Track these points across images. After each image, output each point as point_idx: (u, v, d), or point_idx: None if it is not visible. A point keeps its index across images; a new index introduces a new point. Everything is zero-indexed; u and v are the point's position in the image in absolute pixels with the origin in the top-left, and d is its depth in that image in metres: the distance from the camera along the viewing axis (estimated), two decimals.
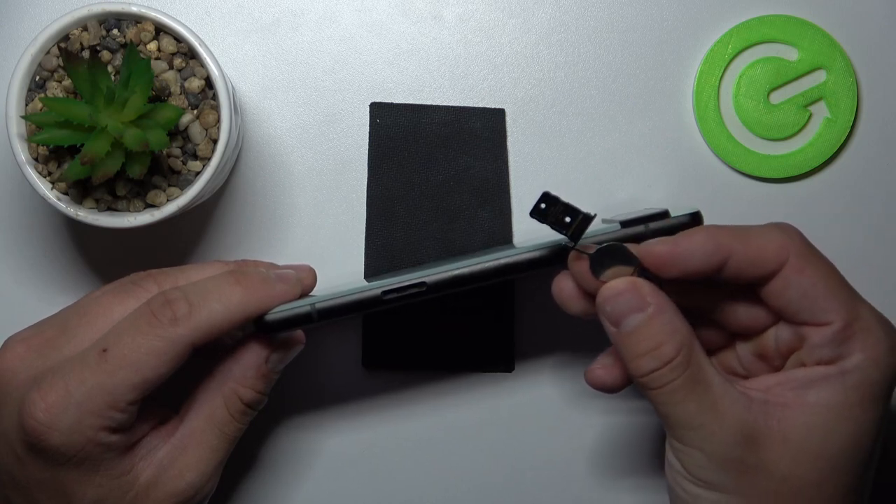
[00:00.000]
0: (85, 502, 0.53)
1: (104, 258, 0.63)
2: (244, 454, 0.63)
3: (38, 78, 0.57)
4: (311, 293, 0.57)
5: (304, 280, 0.56)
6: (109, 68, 0.57)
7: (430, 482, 0.64)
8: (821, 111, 0.64)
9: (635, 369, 0.52)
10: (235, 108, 0.58)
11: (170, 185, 0.57)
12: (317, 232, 0.64)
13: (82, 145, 0.54)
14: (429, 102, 0.64)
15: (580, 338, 0.64)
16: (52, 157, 0.57)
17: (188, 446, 0.55)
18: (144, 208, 0.57)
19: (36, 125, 0.56)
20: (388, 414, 0.64)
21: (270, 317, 0.54)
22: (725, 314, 0.55)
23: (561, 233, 0.52)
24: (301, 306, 0.54)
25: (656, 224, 0.55)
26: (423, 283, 0.54)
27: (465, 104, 0.64)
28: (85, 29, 0.57)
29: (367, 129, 0.64)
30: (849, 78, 0.63)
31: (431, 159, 0.63)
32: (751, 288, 0.54)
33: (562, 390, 0.64)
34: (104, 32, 0.57)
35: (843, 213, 0.64)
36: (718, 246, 0.52)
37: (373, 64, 0.64)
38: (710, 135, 0.64)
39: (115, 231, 0.58)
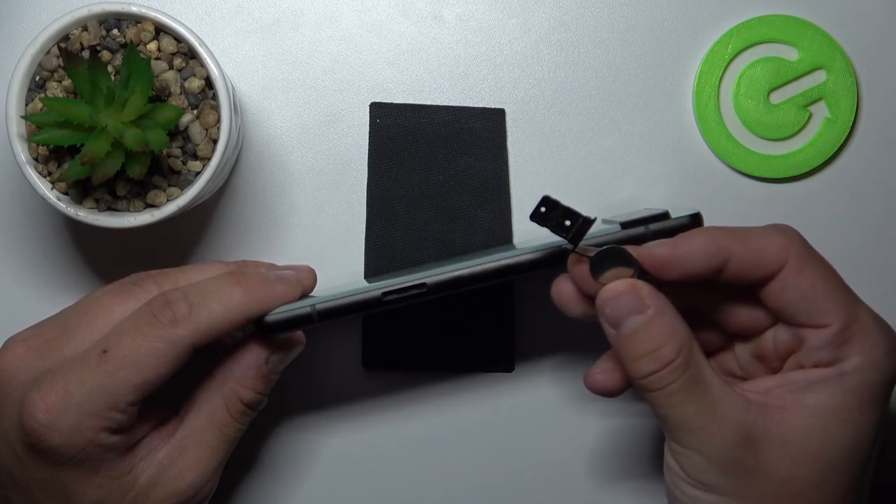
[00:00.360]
0: (85, 503, 0.53)
1: (104, 258, 0.63)
2: (244, 454, 0.63)
3: (38, 78, 0.57)
4: (312, 294, 0.57)
5: (305, 281, 0.56)
6: (109, 68, 0.57)
7: (430, 482, 0.64)
8: (821, 111, 0.64)
9: (635, 371, 0.52)
10: (235, 108, 0.58)
11: (170, 185, 0.57)
12: (317, 232, 0.64)
13: (82, 145, 0.54)
14: (429, 102, 0.64)
15: (580, 338, 0.64)
16: (52, 157, 0.57)
17: (188, 447, 0.55)
18: (144, 208, 0.57)
19: (36, 125, 0.56)
20: (388, 414, 0.64)
21: (270, 317, 0.54)
22: (724, 315, 0.55)
23: (561, 236, 0.52)
24: (301, 307, 0.54)
25: (656, 225, 0.55)
26: (423, 284, 0.54)
27: (465, 104, 0.64)
28: (85, 29, 0.57)
29: (367, 129, 0.64)
30: (849, 78, 0.63)
31: (431, 159, 0.63)
32: (750, 289, 0.54)
33: (562, 390, 0.64)
34: (104, 32, 0.57)
35: (843, 213, 0.64)
36: (718, 248, 0.52)
37: (373, 64, 0.64)
38: (710, 135, 0.64)
39: (115, 231, 0.58)
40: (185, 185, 0.57)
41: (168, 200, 0.57)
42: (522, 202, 0.64)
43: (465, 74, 0.64)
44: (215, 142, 0.57)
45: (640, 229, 0.55)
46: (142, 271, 0.57)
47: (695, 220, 0.55)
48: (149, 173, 0.57)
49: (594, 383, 0.56)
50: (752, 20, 0.64)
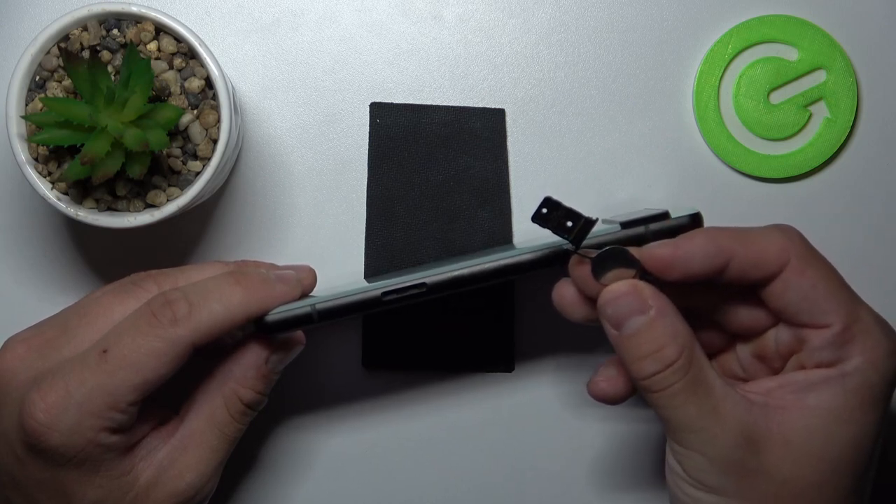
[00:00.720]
0: (85, 503, 0.53)
1: (104, 258, 0.63)
2: (244, 454, 0.63)
3: (38, 78, 0.57)
4: (312, 293, 0.57)
5: (305, 280, 0.56)
6: (109, 68, 0.57)
7: (430, 482, 0.64)
8: (821, 111, 0.64)
9: (637, 372, 0.52)
10: (235, 108, 0.58)
11: (170, 185, 0.57)
12: (317, 232, 0.64)
13: (82, 145, 0.54)
14: (429, 102, 0.64)
15: (580, 338, 0.64)
16: (52, 157, 0.57)
17: (188, 447, 0.55)
18: (144, 208, 0.57)
19: (36, 125, 0.56)
20: (388, 414, 0.64)
21: (271, 317, 0.54)
22: (726, 315, 0.55)
23: (563, 237, 0.52)
24: (301, 307, 0.54)
25: (656, 225, 0.55)
26: (423, 284, 0.54)
27: (465, 104, 0.64)
28: (85, 29, 0.57)
29: (367, 129, 0.64)
30: (849, 78, 0.63)
31: (431, 159, 0.63)
32: (751, 290, 0.54)
33: (562, 391, 0.64)
34: (104, 32, 0.57)
35: (843, 213, 0.64)
36: (720, 249, 0.52)
37: (373, 64, 0.64)
38: (710, 135, 0.64)
39: (115, 231, 0.58)
40: (185, 185, 0.57)
41: (168, 200, 0.57)
42: (522, 202, 0.64)
43: (465, 74, 0.64)
44: (215, 142, 0.57)
45: (640, 229, 0.55)
46: (142, 271, 0.57)
47: (695, 221, 0.55)
48: (149, 173, 0.57)
49: (598, 391, 0.55)
50: (752, 20, 0.64)
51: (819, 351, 0.52)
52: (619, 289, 0.52)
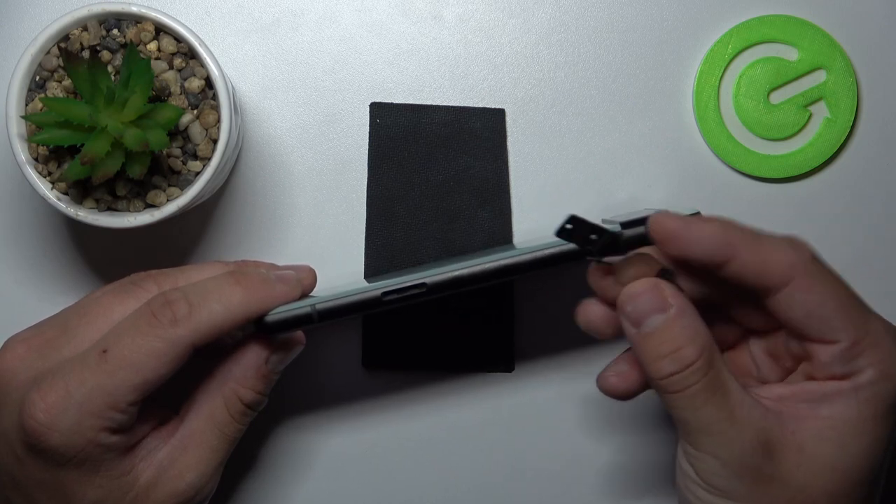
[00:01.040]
0: (85, 503, 0.53)
1: (104, 258, 0.63)
2: (244, 455, 0.63)
3: (38, 78, 0.57)
4: (312, 294, 0.57)
5: (305, 281, 0.56)
6: (109, 68, 0.57)
7: (430, 482, 0.64)
8: (821, 111, 0.64)
9: (655, 371, 0.51)
10: (235, 108, 0.58)
11: (170, 185, 0.57)
12: (317, 232, 0.64)
13: (82, 145, 0.54)
14: (429, 102, 0.64)
15: (580, 338, 0.63)
16: (52, 157, 0.57)
17: (188, 447, 0.55)
18: (144, 208, 0.57)
19: (36, 125, 0.56)
20: (388, 414, 0.64)
21: (270, 317, 0.54)
22: (739, 310, 0.55)
23: (586, 250, 0.52)
24: (301, 307, 0.54)
25: None
26: (423, 284, 0.54)
27: (465, 104, 0.64)
28: (85, 29, 0.57)
29: (367, 129, 0.64)
30: (849, 78, 0.63)
31: (431, 159, 0.63)
32: (754, 296, 0.53)
33: (562, 390, 0.64)
34: (104, 32, 0.57)
35: (843, 213, 0.64)
36: (726, 243, 0.51)
37: (373, 64, 0.64)
38: (710, 135, 0.64)
39: (115, 231, 0.58)
40: (185, 185, 0.57)
41: (168, 200, 0.57)
42: (522, 202, 0.64)
43: (465, 74, 0.64)
44: (215, 142, 0.57)
45: (640, 229, 0.55)
46: (142, 271, 0.57)
47: None
48: (149, 173, 0.57)
49: (608, 386, 0.55)
50: (752, 20, 0.64)
51: (829, 365, 0.52)
52: (640, 287, 0.52)
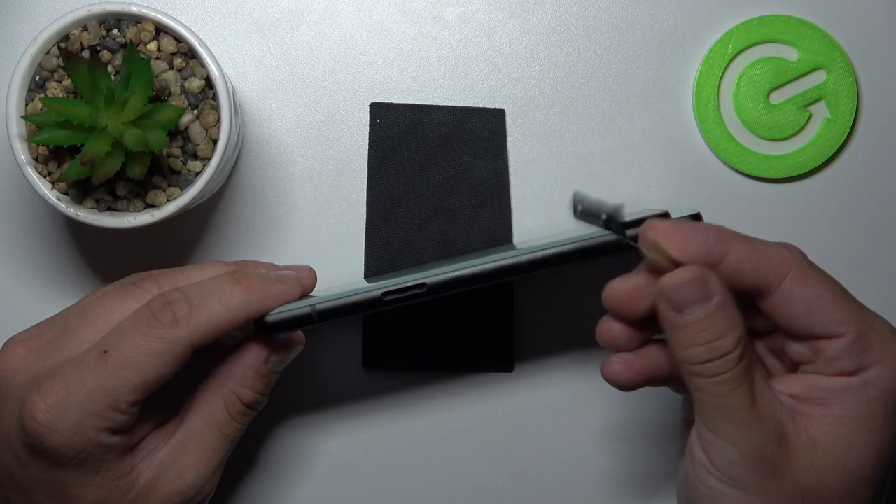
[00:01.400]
0: (85, 503, 0.53)
1: (104, 258, 0.63)
2: (244, 455, 0.63)
3: (38, 78, 0.57)
4: (311, 294, 0.57)
5: (305, 281, 0.56)
6: (109, 68, 0.57)
7: (430, 482, 0.64)
8: (821, 111, 0.64)
9: (689, 357, 0.51)
10: (235, 108, 0.58)
11: (170, 185, 0.57)
12: (317, 232, 0.64)
13: (82, 145, 0.54)
14: (429, 102, 0.64)
15: (580, 338, 0.64)
16: (52, 157, 0.57)
17: (188, 447, 0.55)
18: (144, 208, 0.57)
19: (36, 125, 0.56)
20: (388, 414, 0.64)
21: (270, 318, 0.54)
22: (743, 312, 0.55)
23: (609, 229, 0.53)
24: (301, 307, 0.54)
25: None
26: (423, 285, 0.54)
27: (465, 104, 0.64)
28: (85, 29, 0.57)
29: (367, 129, 0.64)
30: (849, 78, 0.63)
31: (431, 159, 0.63)
32: (752, 298, 0.53)
33: (562, 390, 0.64)
34: (104, 32, 0.57)
35: (843, 213, 0.64)
36: (720, 238, 0.52)
37: (373, 64, 0.64)
38: (710, 135, 0.64)
39: (115, 231, 0.58)
40: (185, 185, 0.57)
41: (168, 200, 0.57)
42: (522, 202, 0.64)
43: (465, 74, 0.64)
44: (215, 142, 0.57)
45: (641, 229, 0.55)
46: (142, 271, 0.57)
47: (694, 220, 0.55)
48: (149, 173, 0.57)
49: (612, 373, 0.54)
50: (752, 20, 0.64)
51: (836, 361, 0.52)
52: (686, 275, 0.51)
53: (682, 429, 0.58)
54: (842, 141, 0.64)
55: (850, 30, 0.64)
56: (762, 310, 0.53)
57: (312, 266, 0.58)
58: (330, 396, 0.64)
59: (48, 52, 0.57)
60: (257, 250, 0.63)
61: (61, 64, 0.57)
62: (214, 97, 0.57)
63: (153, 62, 0.57)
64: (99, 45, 0.57)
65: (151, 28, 0.57)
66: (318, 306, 0.54)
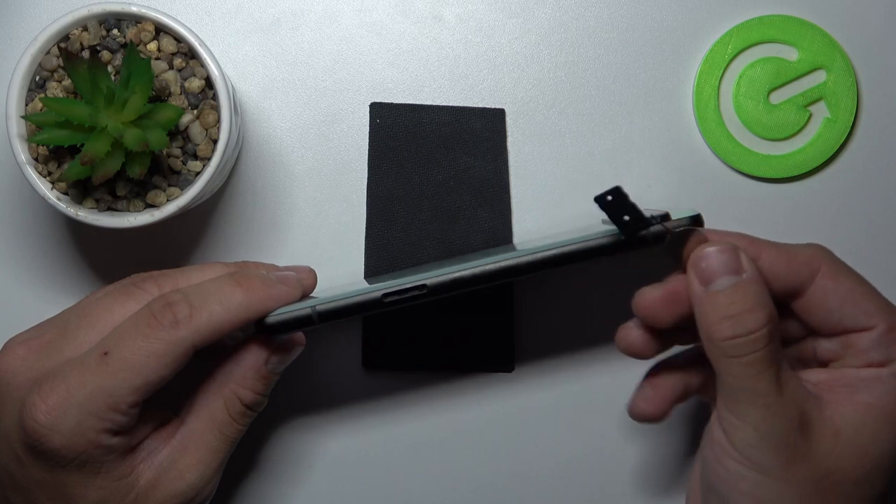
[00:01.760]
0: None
1: (104, 258, 0.63)
2: (244, 456, 0.63)
3: (38, 78, 0.57)
4: (312, 294, 0.57)
5: (305, 282, 0.56)
6: (109, 68, 0.57)
7: (430, 483, 0.64)
8: (821, 111, 0.64)
9: (717, 332, 0.51)
10: (235, 108, 0.58)
11: (170, 185, 0.57)
12: (317, 232, 0.64)
13: (82, 145, 0.54)
14: (429, 102, 0.64)
15: (580, 338, 0.64)
16: (52, 157, 0.57)
17: (188, 448, 0.55)
18: (144, 208, 0.57)
19: (36, 125, 0.56)
20: (388, 415, 0.64)
21: (271, 319, 0.54)
22: None
23: (619, 228, 0.53)
24: (301, 308, 0.54)
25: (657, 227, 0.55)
26: (423, 286, 0.54)
27: (465, 104, 0.64)
28: (85, 29, 0.57)
29: (367, 129, 0.63)
30: (849, 78, 0.63)
31: (431, 159, 0.63)
32: (784, 301, 0.53)
33: (562, 390, 0.64)
34: (104, 32, 0.57)
35: (843, 213, 0.64)
36: (750, 242, 0.53)
37: (373, 64, 0.64)
38: (710, 135, 0.64)
39: (115, 231, 0.58)
40: (185, 185, 0.57)
41: (168, 200, 0.57)
42: (522, 202, 0.64)
43: (465, 74, 0.64)
44: (215, 142, 0.57)
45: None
46: (142, 272, 0.57)
47: (695, 222, 0.55)
48: (149, 173, 0.57)
49: (639, 413, 0.55)
50: (752, 20, 0.64)
51: (866, 352, 0.52)
52: (717, 246, 0.52)
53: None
54: (842, 141, 0.64)
55: (850, 30, 0.64)
56: (795, 311, 0.54)
57: (312, 266, 0.58)
58: (330, 397, 0.64)
59: (48, 52, 0.57)
60: (257, 250, 0.63)
61: (61, 64, 0.57)
62: (214, 97, 0.57)
63: (153, 62, 0.57)
64: (99, 45, 0.57)
65: (151, 28, 0.57)
66: (319, 307, 0.54)
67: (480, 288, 0.55)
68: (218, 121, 0.57)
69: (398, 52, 0.64)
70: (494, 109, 0.63)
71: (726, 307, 0.51)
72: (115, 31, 0.57)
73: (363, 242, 0.63)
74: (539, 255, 0.54)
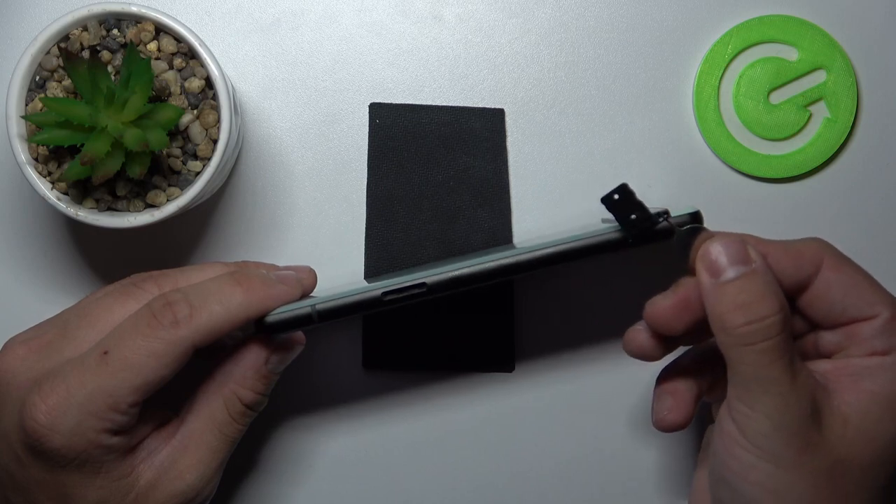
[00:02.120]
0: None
1: (104, 258, 0.63)
2: (244, 456, 0.63)
3: (38, 78, 0.57)
4: (312, 294, 0.57)
5: (305, 281, 0.56)
6: (109, 68, 0.57)
7: (430, 483, 0.64)
8: (821, 111, 0.64)
9: (730, 320, 0.51)
10: (235, 108, 0.58)
11: (170, 185, 0.57)
12: (317, 232, 0.64)
13: (82, 145, 0.54)
14: (429, 102, 0.64)
15: (580, 338, 0.64)
16: (52, 157, 0.57)
17: (188, 448, 0.55)
18: (144, 208, 0.57)
19: (36, 125, 0.56)
20: (388, 415, 0.64)
21: (271, 318, 0.54)
22: None
23: (624, 227, 0.53)
24: (301, 308, 0.54)
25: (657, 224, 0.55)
26: (423, 284, 0.54)
27: (465, 104, 0.64)
28: (85, 29, 0.57)
29: (367, 129, 0.63)
30: (849, 78, 0.63)
31: (431, 159, 0.63)
32: (791, 298, 0.54)
33: (562, 390, 0.64)
34: (104, 32, 0.57)
35: (843, 213, 0.64)
36: (756, 241, 0.53)
37: (373, 64, 0.64)
38: (710, 135, 0.64)
39: (115, 231, 0.58)
40: (185, 185, 0.57)
41: (168, 200, 0.57)
42: (522, 202, 0.63)
43: (465, 74, 0.64)
44: (215, 142, 0.57)
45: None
46: (142, 272, 0.57)
47: (694, 219, 0.55)
48: (149, 173, 0.57)
49: (668, 424, 0.55)
50: (752, 20, 0.64)
51: (870, 341, 0.53)
52: (726, 238, 0.52)
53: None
54: (842, 141, 0.64)
55: (850, 30, 0.64)
56: (799, 307, 0.54)
57: (312, 266, 0.58)
58: (330, 397, 0.64)
59: (48, 52, 0.57)
60: (257, 250, 0.63)
61: (61, 64, 0.57)
62: (214, 97, 0.57)
63: (153, 62, 0.57)
64: (99, 45, 0.57)
65: (151, 28, 0.57)
66: (319, 306, 0.54)
67: (481, 286, 0.55)
68: (218, 121, 0.57)
69: (398, 52, 0.64)
70: (494, 109, 0.63)
71: (737, 295, 0.51)
72: (115, 31, 0.57)
73: (363, 242, 0.63)
74: (539, 253, 0.54)
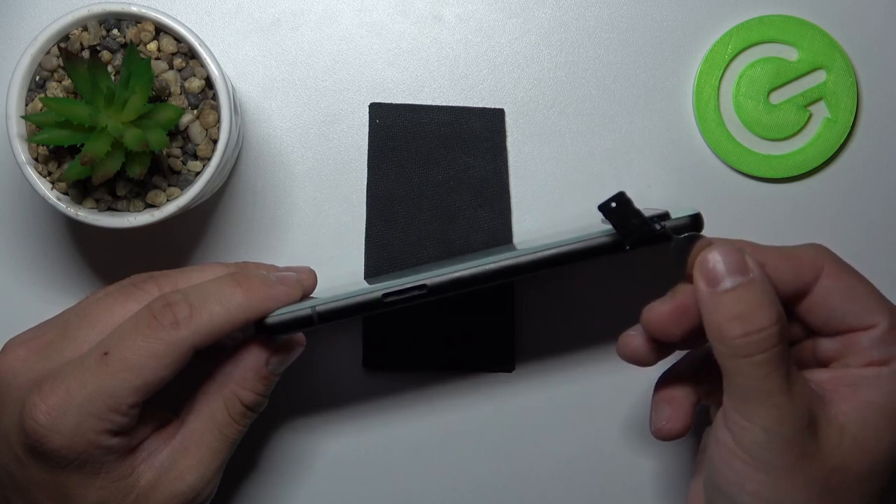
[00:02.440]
0: None
1: (104, 258, 0.63)
2: (244, 457, 0.63)
3: (38, 78, 0.57)
4: (312, 295, 0.57)
5: (305, 282, 0.56)
6: (109, 68, 0.57)
7: (430, 483, 0.64)
8: (821, 111, 0.64)
9: (727, 330, 0.51)
10: (235, 108, 0.58)
11: (170, 185, 0.57)
12: (317, 232, 0.64)
13: (82, 145, 0.54)
14: (429, 102, 0.64)
15: (580, 338, 0.64)
16: (52, 157, 0.57)
17: (189, 448, 0.55)
18: (144, 208, 0.57)
19: (36, 125, 0.56)
20: (388, 415, 0.64)
21: (271, 319, 0.54)
22: None
23: (621, 235, 0.53)
24: (301, 309, 0.54)
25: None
26: (423, 286, 0.54)
27: (465, 104, 0.64)
28: (85, 29, 0.57)
29: (367, 129, 0.63)
30: (849, 78, 0.63)
31: (431, 159, 0.63)
32: (790, 305, 0.53)
33: (562, 391, 0.64)
34: (104, 32, 0.57)
35: (843, 213, 0.64)
36: (755, 248, 0.53)
37: (373, 64, 0.64)
38: (710, 135, 0.64)
39: (115, 231, 0.58)
40: (185, 185, 0.57)
41: (168, 200, 0.57)
42: (522, 202, 0.63)
43: (465, 74, 0.64)
44: (215, 142, 0.57)
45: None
46: (142, 272, 0.57)
47: (695, 221, 0.55)
48: (149, 173, 0.57)
49: (666, 433, 0.56)
50: (752, 20, 0.64)
51: (868, 350, 0.52)
52: (723, 248, 0.52)
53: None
54: (842, 141, 0.64)
55: (850, 30, 0.64)
56: (798, 314, 0.54)
57: (312, 266, 0.58)
58: (330, 397, 0.64)
59: (48, 52, 0.57)
60: (257, 250, 0.63)
61: (61, 64, 0.57)
62: (214, 97, 0.57)
63: (153, 62, 0.57)
64: (99, 45, 0.57)
65: (151, 28, 0.57)
66: (319, 308, 0.54)
67: (481, 287, 0.55)
68: (218, 121, 0.57)
69: (398, 52, 0.64)
70: (494, 109, 0.63)
71: (734, 306, 0.51)
72: (115, 31, 0.57)
73: (363, 242, 0.63)
74: (539, 255, 0.54)
